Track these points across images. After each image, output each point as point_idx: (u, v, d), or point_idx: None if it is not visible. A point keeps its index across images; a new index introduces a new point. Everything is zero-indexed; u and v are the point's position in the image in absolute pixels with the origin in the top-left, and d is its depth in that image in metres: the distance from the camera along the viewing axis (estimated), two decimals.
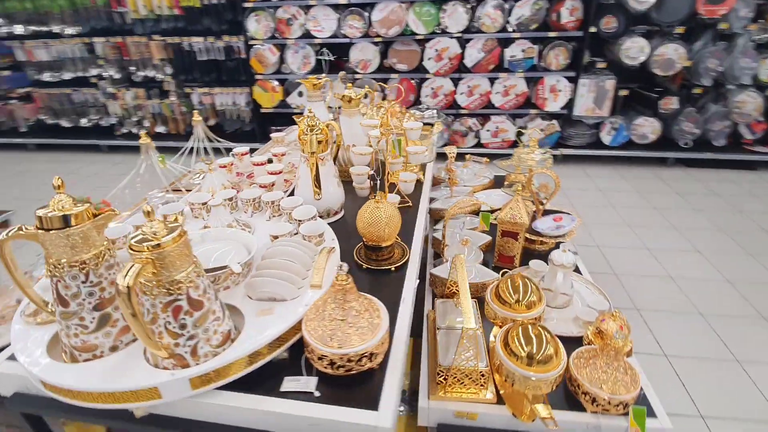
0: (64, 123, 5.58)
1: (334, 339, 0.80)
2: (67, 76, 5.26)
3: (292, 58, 4.41)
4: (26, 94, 5.55)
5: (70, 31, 4.98)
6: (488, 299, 1.26)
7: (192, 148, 2.15)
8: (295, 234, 1.12)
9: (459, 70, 4.22)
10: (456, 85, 4.25)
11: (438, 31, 4.04)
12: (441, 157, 2.19)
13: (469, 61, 4.11)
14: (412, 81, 4.35)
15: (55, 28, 4.99)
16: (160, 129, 5.32)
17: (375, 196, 1.15)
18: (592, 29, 3.78)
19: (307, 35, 4.26)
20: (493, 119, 4.36)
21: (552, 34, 3.92)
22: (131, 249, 0.69)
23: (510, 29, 3.94)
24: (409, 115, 2.36)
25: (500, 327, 1.26)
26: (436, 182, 2.27)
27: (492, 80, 4.20)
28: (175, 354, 0.75)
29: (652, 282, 2.59)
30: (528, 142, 2.16)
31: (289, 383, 0.82)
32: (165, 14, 4.65)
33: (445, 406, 1.13)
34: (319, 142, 1.34)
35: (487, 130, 4.40)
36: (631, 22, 3.75)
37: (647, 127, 4.11)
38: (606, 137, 4.27)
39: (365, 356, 0.80)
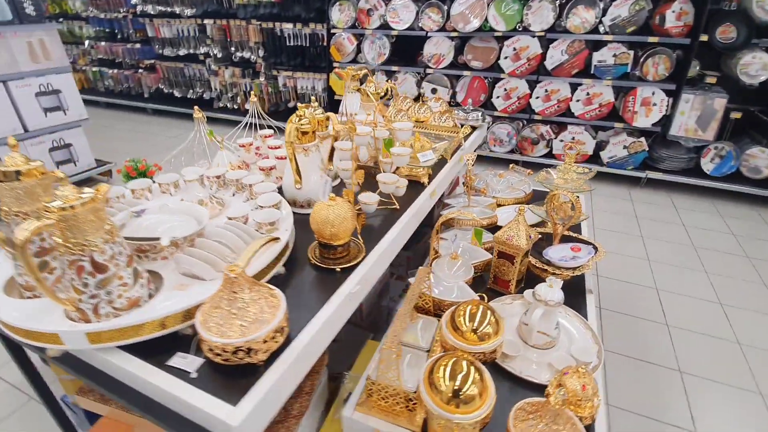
0: (177, 93, 6.37)
1: (217, 327, 0.81)
2: (182, 52, 5.98)
3: (369, 48, 4.47)
4: (151, 65, 6.44)
5: (188, 12, 5.63)
6: (442, 323, 1.17)
7: (249, 125, 2.31)
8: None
9: (537, 71, 3.90)
10: (532, 87, 3.95)
11: (519, 29, 3.76)
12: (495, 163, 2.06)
13: (550, 63, 3.77)
14: (486, 80, 4.14)
15: (177, 9, 5.68)
16: (249, 106, 5.80)
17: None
18: (703, 37, 3.21)
19: (385, 26, 4.28)
20: (569, 129, 3.97)
21: (652, 40, 3.41)
22: (45, 209, 0.77)
23: (602, 31, 3.52)
24: (448, 115, 2.25)
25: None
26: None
27: (574, 86, 3.81)
28: (79, 308, 0.83)
29: (711, 343, 2.17)
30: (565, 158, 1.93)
31: (177, 359, 0.86)
32: (264, 0, 5.03)
33: (366, 421, 1.09)
34: (304, 133, 1.35)
35: (561, 141, 4.02)
36: (755, 34, 3.10)
37: (762, 160, 3.40)
38: (708, 165, 3.64)
39: (242, 350, 0.80)
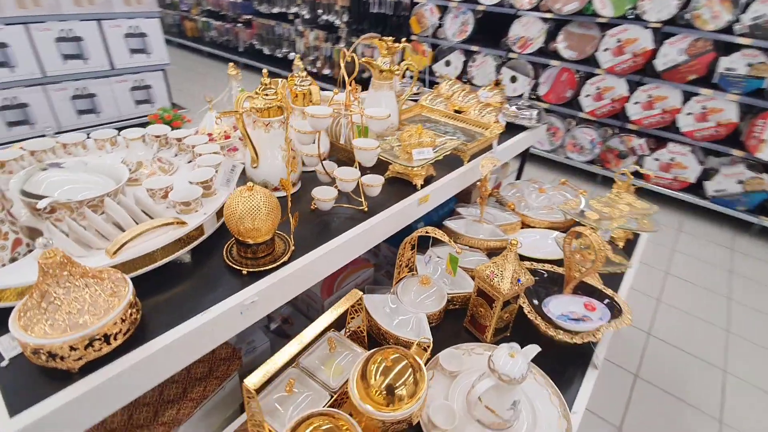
0: (266, 50, 6.56)
1: (28, 318, 0.69)
2: (275, 10, 6.08)
3: (451, 22, 4.07)
4: (248, 20, 6.67)
5: None
6: (352, 373, 0.93)
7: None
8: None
9: (643, 71, 3.21)
10: (632, 90, 3.27)
11: (629, 16, 3.10)
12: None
13: (661, 63, 3.07)
14: (576, 74, 3.54)
15: None
16: (327, 71, 5.76)
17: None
18: None
19: (472, 0, 3.84)
20: (670, 147, 3.25)
21: None
22: None
23: (738, 31, 2.74)
24: (492, 108, 1.90)
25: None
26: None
27: (687, 95, 3.08)
28: None
29: None
30: (618, 184, 1.50)
31: (2, 339, 0.75)
32: None
33: None
34: (268, 108, 1.15)
35: (656, 159, 3.32)
36: None
37: None
38: None
39: (42, 352, 0.66)
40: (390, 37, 1.56)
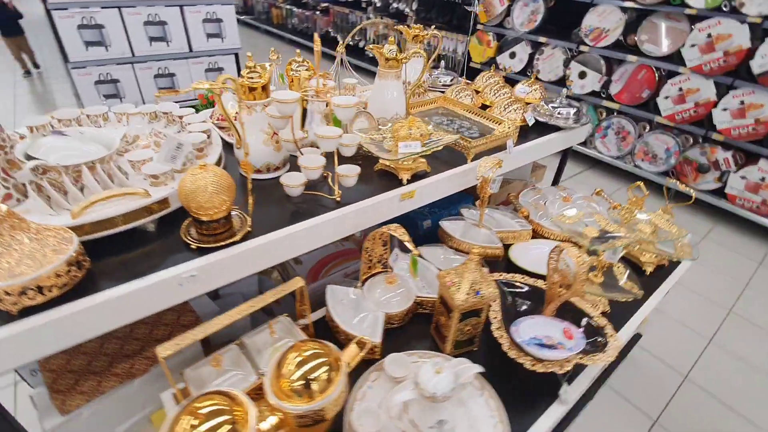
0: (339, 38, 6.71)
1: None
2: None
3: (519, 11, 3.81)
4: (326, 8, 6.87)
5: None
6: (272, 361, 0.92)
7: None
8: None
9: (735, 73, 2.74)
10: (721, 94, 2.81)
11: (725, 8, 2.64)
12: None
13: (758, 65, 2.59)
14: (656, 72, 3.12)
15: None
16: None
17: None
18: None
19: None
20: (761, 164, 2.75)
21: None
22: None
23: None
24: (520, 105, 1.75)
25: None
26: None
27: None
28: None
29: None
30: (630, 202, 1.31)
31: None
32: None
33: None
34: (252, 89, 1.18)
35: (743, 177, 2.83)
36: None
37: None
38: None
39: None
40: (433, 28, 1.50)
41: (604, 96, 3.44)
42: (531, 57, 3.88)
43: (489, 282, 1.05)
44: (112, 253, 0.97)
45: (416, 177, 1.35)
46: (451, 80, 2.24)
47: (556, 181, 2.23)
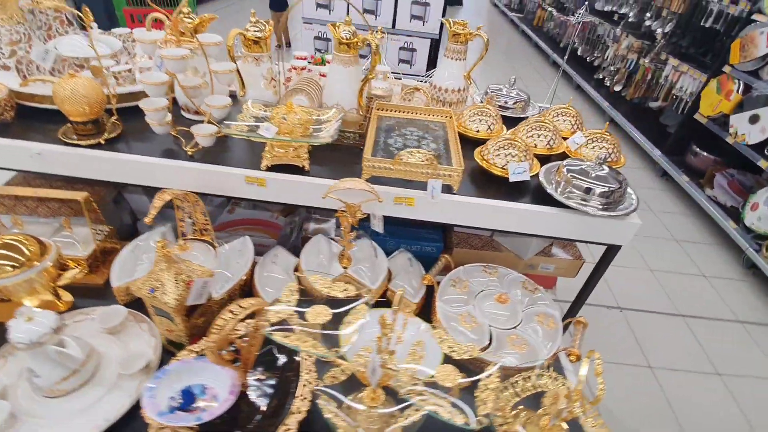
0: (579, 51, 5.92)
1: None
2: (607, 7, 5.29)
3: None
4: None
5: None
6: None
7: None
8: None
9: None
10: None
11: None
12: None
13: None
14: None
15: None
16: (618, 87, 4.72)
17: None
18: None
19: None
20: None
21: None
22: None
23: None
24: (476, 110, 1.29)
25: None
26: None
27: None
28: None
29: None
30: None
31: None
32: None
33: None
34: (255, 42, 1.32)
35: None
36: None
37: None
38: None
39: None
40: None
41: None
42: None
43: (197, 275, 0.91)
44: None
45: (288, 169, 1.22)
46: (514, 103, 1.75)
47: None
